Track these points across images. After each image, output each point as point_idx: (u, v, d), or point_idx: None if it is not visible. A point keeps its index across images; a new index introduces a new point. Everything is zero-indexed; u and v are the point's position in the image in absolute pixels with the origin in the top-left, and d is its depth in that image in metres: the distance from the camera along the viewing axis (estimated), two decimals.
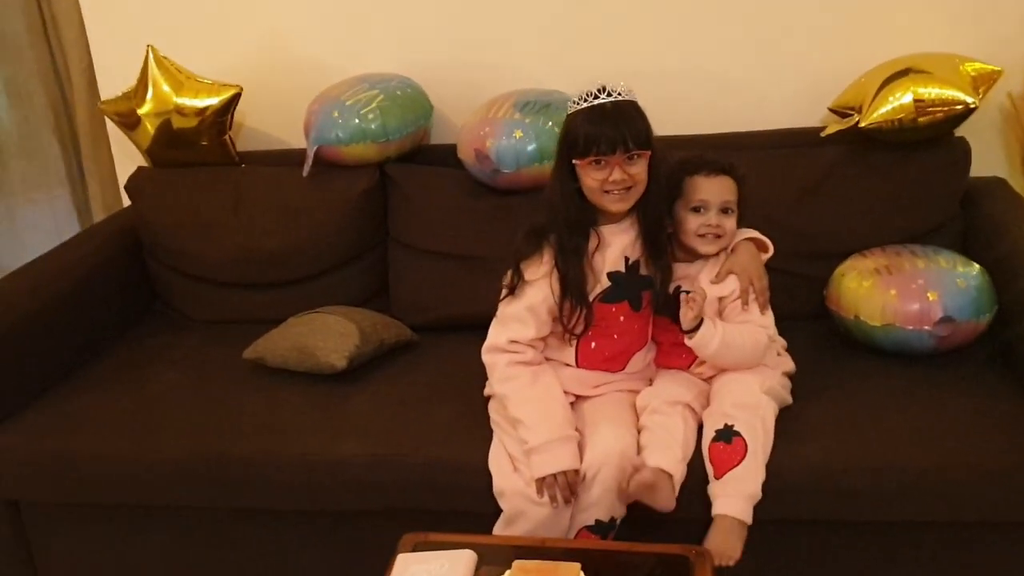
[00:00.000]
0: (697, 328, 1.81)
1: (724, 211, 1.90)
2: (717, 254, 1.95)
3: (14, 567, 2.14)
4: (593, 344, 1.90)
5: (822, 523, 1.83)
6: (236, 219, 2.49)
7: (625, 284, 1.87)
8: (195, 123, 2.56)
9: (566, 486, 1.72)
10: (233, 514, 2.01)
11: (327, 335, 2.14)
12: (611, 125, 1.75)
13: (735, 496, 1.71)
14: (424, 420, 1.96)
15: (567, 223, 1.82)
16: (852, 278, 2.10)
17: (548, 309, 1.86)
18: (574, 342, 1.89)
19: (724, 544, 1.66)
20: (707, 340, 1.81)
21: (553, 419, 1.78)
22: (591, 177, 1.79)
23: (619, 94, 1.78)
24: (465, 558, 1.57)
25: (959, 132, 2.34)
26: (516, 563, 1.49)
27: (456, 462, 1.85)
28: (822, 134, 2.34)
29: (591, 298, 1.85)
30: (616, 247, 1.87)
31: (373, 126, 2.40)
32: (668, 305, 1.91)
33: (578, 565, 1.46)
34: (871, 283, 2.05)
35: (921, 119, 2.20)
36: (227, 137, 2.59)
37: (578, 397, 1.90)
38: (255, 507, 1.98)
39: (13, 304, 2.19)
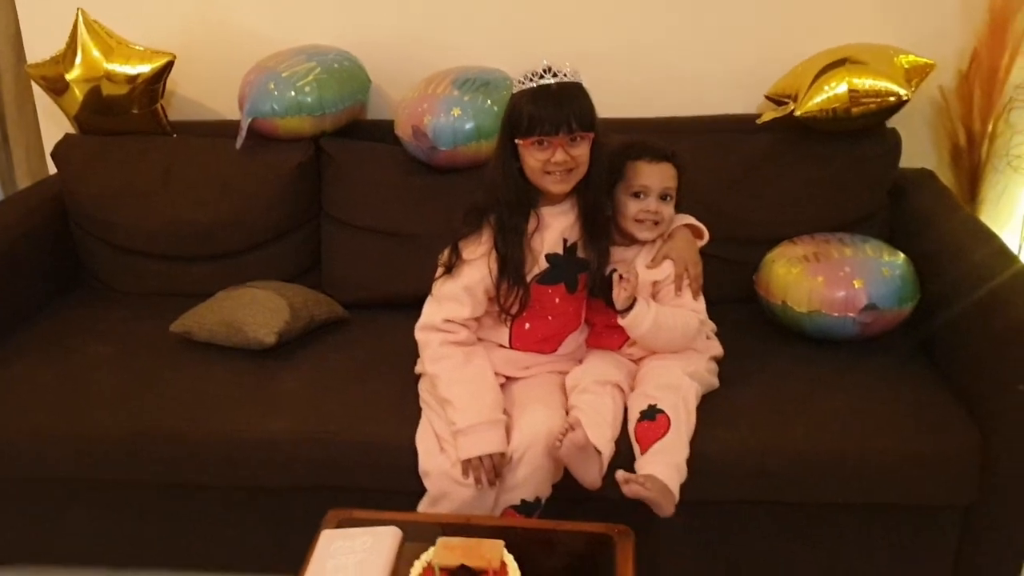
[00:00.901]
0: (630, 308, 1.82)
1: (663, 198, 1.91)
2: (654, 240, 1.95)
3: None
4: (527, 325, 1.90)
5: (744, 503, 1.86)
6: (166, 190, 2.44)
7: (562, 266, 1.88)
8: (126, 91, 2.49)
9: (491, 469, 1.72)
10: (160, 489, 1.98)
11: (256, 310, 2.11)
12: (555, 106, 1.74)
13: (663, 465, 1.72)
14: (353, 398, 1.95)
15: (508, 203, 1.82)
16: (781, 264, 2.13)
17: (485, 289, 1.85)
18: (509, 323, 1.88)
19: (659, 496, 1.67)
20: (640, 320, 1.83)
21: (482, 401, 1.78)
22: (533, 157, 1.78)
23: (564, 75, 1.77)
24: (389, 535, 1.57)
25: (891, 123, 2.38)
26: (440, 540, 1.49)
27: (383, 441, 1.85)
28: (757, 121, 2.37)
29: (528, 279, 1.85)
30: (555, 229, 1.86)
31: (309, 99, 2.36)
32: (603, 287, 1.92)
33: (501, 543, 1.47)
34: (799, 270, 2.08)
35: (855, 109, 2.24)
36: (159, 106, 2.53)
37: (508, 378, 1.90)
38: (182, 482, 1.95)
39: None
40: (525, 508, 1.75)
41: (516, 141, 1.79)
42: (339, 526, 1.63)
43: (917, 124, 2.51)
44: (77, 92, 2.51)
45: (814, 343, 2.08)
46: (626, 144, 1.94)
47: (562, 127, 1.74)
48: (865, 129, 2.31)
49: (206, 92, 2.69)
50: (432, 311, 1.88)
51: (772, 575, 1.95)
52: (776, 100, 2.41)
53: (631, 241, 1.95)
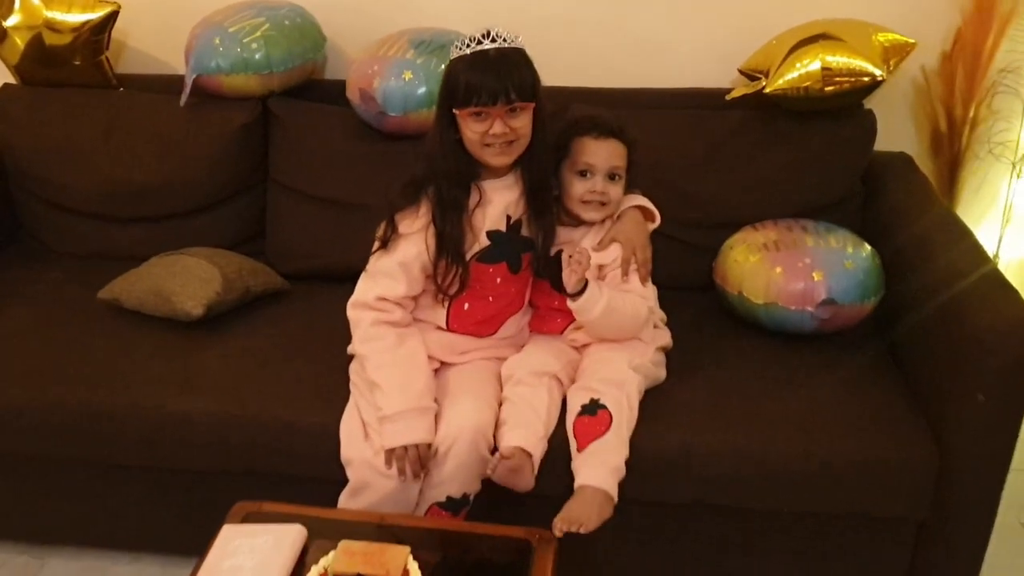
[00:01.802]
0: (581, 292, 1.71)
1: (611, 177, 1.79)
2: (602, 221, 1.85)
3: None
4: (466, 305, 1.80)
5: (683, 506, 1.77)
6: (107, 147, 2.32)
7: (505, 244, 1.77)
8: (68, 40, 2.36)
9: (416, 460, 1.63)
10: (76, 465, 1.89)
11: (186, 279, 2.01)
12: (493, 74, 1.63)
13: (598, 467, 1.64)
14: (280, 378, 1.85)
15: (446, 175, 1.71)
16: (740, 251, 2.03)
17: (421, 266, 1.74)
18: (446, 303, 1.79)
19: (579, 511, 1.57)
20: (592, 304, 1.72)
21: (412, 388, 1.68)
22: (471, 129, 1.67)
23: (504, 40, 1.65)
24: (293, 533, 1.48)
25: (870, 104, 2.26)
26: (342, 543, 1.40)
27: (308, 425, 1.75)
28: (727, 97, 2.25)
29: (468, 257, 1.75)
30: (498, 204, 1.76)
31: (256, 56, 2.24)
32: (549, 268, 1.81)
33: (407, 549, 1.38)
34: (758, 259, 1.97)
35: (828, 88, 2.11)
36: (103, 58, 2.40)
37: (443, 364, 1.80)
38: (97, 459, 1.86)
39: None
40: (452, 505, 1.67)
41: (454, 111, 1.67)
42: (246, 520, 1.55)
43: (898, 106, 2.39)
44: (17, 40, 2.38)
45: (771, 337, 1.98)
46: (572, 119, 1.83)
47: (500, 97, 1.62)
48: (839, 109, 2.19)
49: (157, 45, 2.55)
50: (365, 288, 1.78)
51: None
52: (750, 75, 2.29)
53: (578, 221, 1.84)
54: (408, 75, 2.14)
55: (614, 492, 1.63)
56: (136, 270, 2.09)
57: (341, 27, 2.45)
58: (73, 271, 2.28)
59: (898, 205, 2.16)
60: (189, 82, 2.27)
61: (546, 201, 1.79)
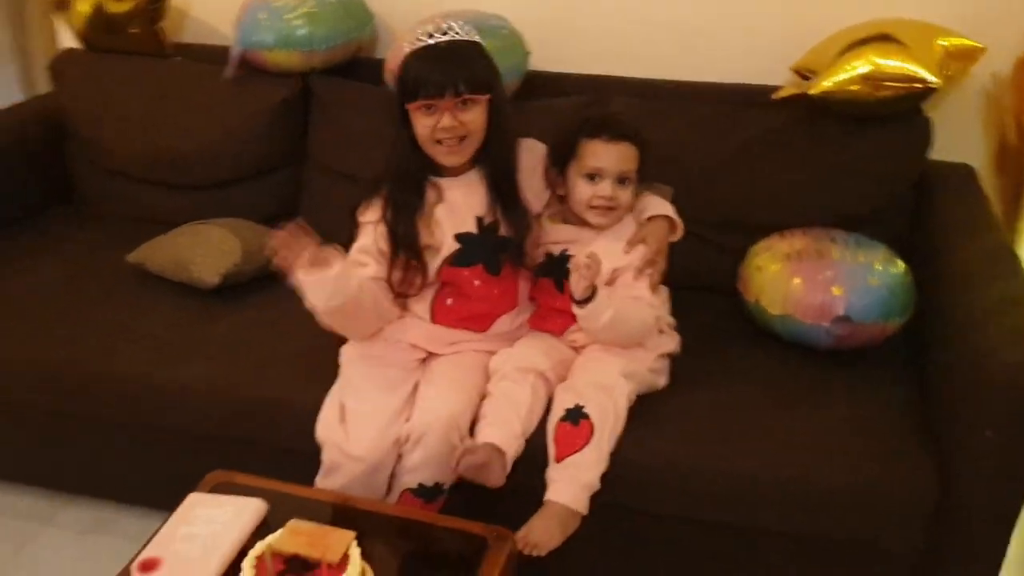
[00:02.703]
0: (589, 299, 1.65)
1: (621, 181, 1.73)
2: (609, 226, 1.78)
3: None
4: (449, 301, 1.78)
5: (668, 516, 1.71)
6: (155, 114, 2.39)
7: (478, 245, 1.73)
8: (128, 7, 2.44)
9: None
10: (84, 419, 1.95)
11: (207, 249, 2.05)
12: (442, 66, 1.60)
13: (570, 483, 1.59)
14: (277, 353, 1.87)
15: (399, 174, 1.69)
16: (763, 259, 1.93)
17: (380, 251, 1.73)
18: (429, 295, 1.77)
19: (541, 531, 1.54)
20: (599, 312, 1.66)
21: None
22: (421, 124, 1.64)
23: (457, 33, 1.63)
24: (252, 507, 1.50)
25: (932, 111, 2.12)
26: (290, 523, 1.40)
27: (292, 402, 1.76)
28: (773, 96, 2.14)
29: (439, 261, 1.72)
30: (461, 204, 1.72)
31: (299, 33, 2.26)
32: (554, 269, 1.77)
33: (352, 535, 1.36)
34: (779, 268, 1.88)
35: (877, 93, 1.99)
36: (160, 27, 2.48)
37: (431, 353, 1.78)
38: (101, 415, 1.92)
39: None
40: (424, 492, 1.65)
41: (405, 106, 1.64)
42: (215, 489, 1.57)
43: (963, 114, 2.22)
44: (82, 7, 2.47)
45: (786, 349, 1.89)
46: (583, 120, 1.76)
47: (448, 88, 1.59)
48: (892, 115, 2.06)
49: (216, 15, 2.60)
50: None
51: None
52: (802, 74, 2.18)
53: (584, 222, 1.79)
54: None
55: (584, 508, 1.59)
56: (164, 236, 2.15)
57: (390, 5, 2.44)
58: (113, 233, 2.35)
59: (950, 222, 2.01)
60: (235, 55, 2.32)
61: (512, 196, 1.73)
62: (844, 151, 2.08)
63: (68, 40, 2.69)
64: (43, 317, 1.98)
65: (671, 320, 1.88)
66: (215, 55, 2.46)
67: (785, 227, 2.03)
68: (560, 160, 1.75)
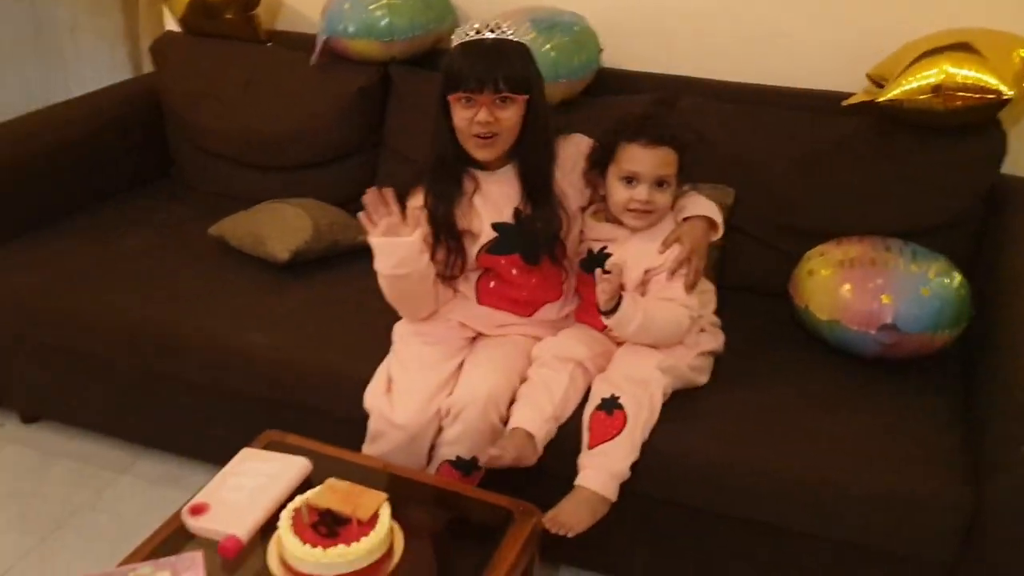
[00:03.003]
0: (614, 309, 1.69)
1: (658, 185, 1.74)
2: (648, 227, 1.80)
3: None
4: (492, 284, 1.85)
5: (697, 510, 1.74)
6: (245, 97, 2.53)
7: (514, 236, 1.79)
8: None
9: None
10: (161, 377, 2.09)
11: (282, 226, 2.17)
12: (485, 61, 1.65)
13: (601, 471, 1.64)
14: (336, 328, 1.97)
15: (440, 161, 1.77)
16: (816, 263, 1.94)
17: (424, 236, 1.79)
18: (473, 277, 1.84)
19: (570, 513, 1.59)
20: (627, 320, 1.69)
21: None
22: (459, 115, 1.70)
23: (505, 33, 1.68)
24: (297, 465, 1.60)
25: (1011, 123, 2.09)
26: (328, 481, 1.50)
27: (347, 373, 1.84)
28: (843, 103, 2.14)
29: (477, 248, 1.79)
30: (500, 197, 1.78)
31: (380, 23, 2.36)
32: (593, 264, 1.80)
33: (383, 496, 1.45)
34: (830, 273, 1.89)
35: (949, 104, 1.97)
36: (254, 13, 2.61)
37: (479, 334, 1.86)
38: (174, 374, 2.05)
39: (13, 141, 2.32)
40: (460, 465, 1.72)
41: (447, 97, 1.70)
42: (267, 447, 1.68)
43: None
44: None
45: (833, 355, 1.90)
46: (621, 122, 1.77)
47: (488, 84, 1.64)
48: (964, 126, 2.04)
49: (307, 4, 2.72)
50: None
51: None
52: (876, 81, 2.17)
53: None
54: None
55: (613, 496, 1.64)
56: (244, 212, 2.27)
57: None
58: (201, 207, 2.49)
59: (1017, 238, 1.98)
60: (320, 43, 2.43)
61: (544, 193, 1.77)
62: (912, 161, 2.07)
63: (173, 24, 2.87)
64: (133, 280, 2.13)
65: (715, 319, 1.90)
66: (304, 43, 2.58)
67: (842, 234, 2.03)
68: (600, 161, 1.78)
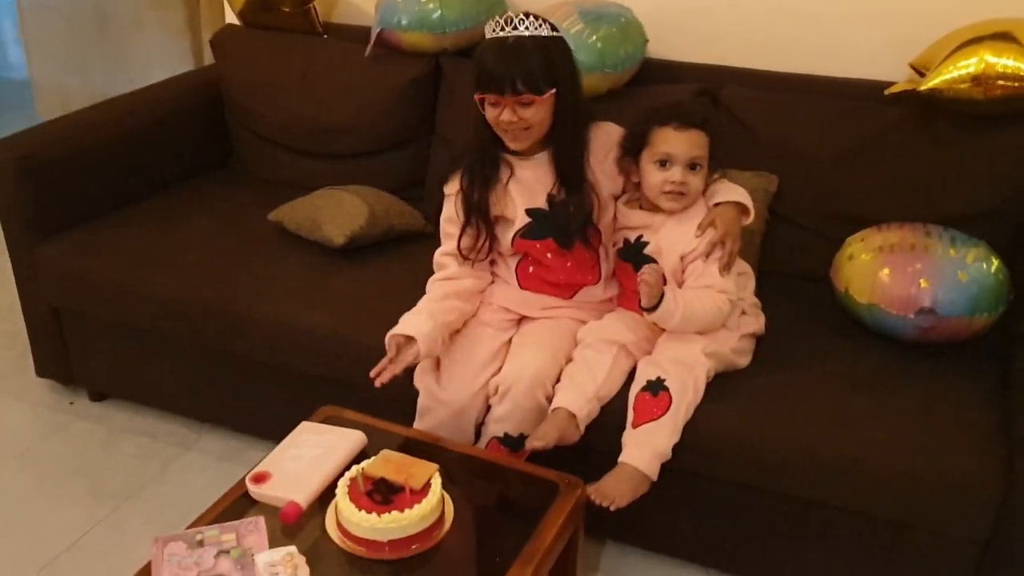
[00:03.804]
0: (656, 306, 1.75)
1: (691, 167, 1.79)
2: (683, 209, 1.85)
3: (54, 364, 2.47)
4: (530, 268, 1.92)
5: (737, 485, 1.80)
6: (301, 88, 2.62)
7: (547, 220, 1.85)
8: None
9: (395, 347, 1.77)
10: (224, 355, 2.20)
11: (337, 211, 2.26)
12: (503, 65, 1.69)
13: (644, 449, 1.70)
14: (389, 309, 2.01)
15: (476, 148, 1.83)
16: (856, 248, 1.98)
17: (459, 220, 1.89)
18: (512, 263, 1.92)
19: (612, 488, 1.66)
20: (668, 316, 1.75)
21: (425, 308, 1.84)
22: (488, 113, 1.76)
23: (526, 28, 1.70)
24: (353, 438, 1.69)
25: None
26: (383, 452, 1.58)
27: None
28: (886, 92, 2.16)
29: (512, 233, 1.86)
30: (535, 183, 1.84)
31: (433, 16, 2.43)
32: (630, 253, 1.87)
33: (435, 467, 1.54)
34: (870, 258, 1.92)
35: (990, 93, 1.99)
36: (311, 6, 2.70)
37: (524, 317, 1.93)
38: (236, 352, 2.16)
39: (81, 132, 2.43)
40: (508, 442, 1.80)
41: (476, 96, 1.76)
42: (325, 421, 1.77)
43: None
44: None
45: (873, 339, 1.94)
46: (654, 108, 1.82)
47: (507, 87, 1.69)
48: (1010, 115, 2.06)
49: None
50: (437, 251, 1.96)
51: (768, 566, 1.88)
52: (919, 71, 2.19)
53: (657, 207, 1.87)
54: None
55: (654, 474, 1.70)
56: (302, 198, 2.37)
57: None
58: (260, 194, 2.59)
59: None
60: (374, 35, 2.52)
61: (576, 180, 1.83)
62: (954, 149, 2.10)
63: (232, 18, 2.97)
64: (195, 263, 2.24)
65: (755, 301, 1.95)
66: (359, 35, 2.67)
67: (883, 221, 2.06)
68: (633, 148, 1.83)
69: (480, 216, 1.85)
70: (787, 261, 2.21)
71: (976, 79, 1.98)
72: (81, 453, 2.33)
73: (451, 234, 1.90)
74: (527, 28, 1.71)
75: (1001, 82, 1.97)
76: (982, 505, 1.63)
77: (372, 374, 1.75)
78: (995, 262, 1.88)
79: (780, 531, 1.82)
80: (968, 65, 1.99)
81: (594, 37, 2.25)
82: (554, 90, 1.73)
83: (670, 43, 2.44)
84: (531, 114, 1.74)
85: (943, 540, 1.70)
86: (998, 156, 2.07)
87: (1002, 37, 2.02)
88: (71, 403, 2.51)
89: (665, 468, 1.73)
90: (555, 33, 1.76)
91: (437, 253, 1.94)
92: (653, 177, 1.80)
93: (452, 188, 1.88)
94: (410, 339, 1.77)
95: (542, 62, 1.71)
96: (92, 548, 2.03)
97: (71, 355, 2.43)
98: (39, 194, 2.31)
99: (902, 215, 2.06)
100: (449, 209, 1.89)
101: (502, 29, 1.72)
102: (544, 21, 1.74)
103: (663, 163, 1.79)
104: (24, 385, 2.57)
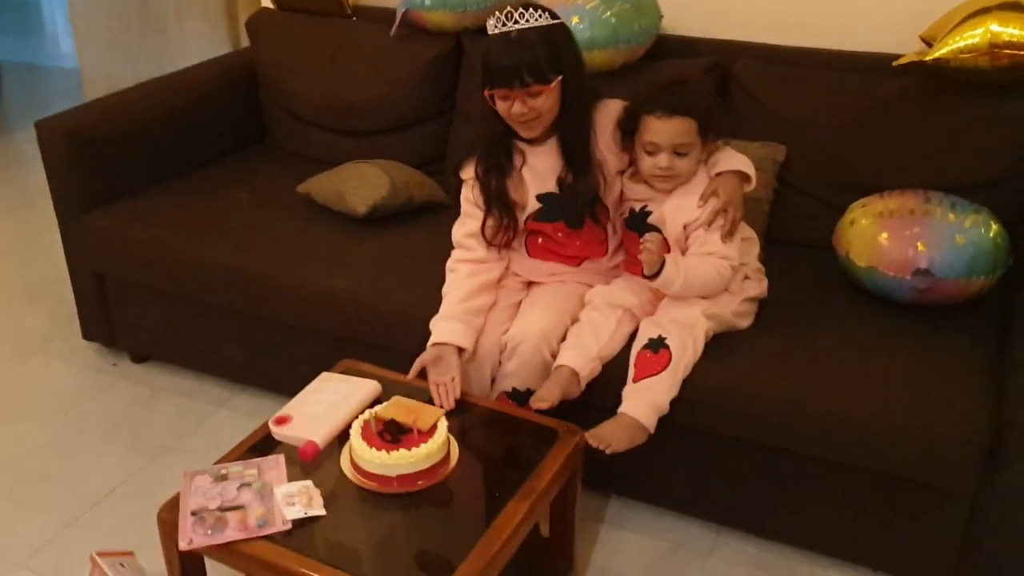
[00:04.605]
0: (658, 274, 1.82)
1: (677, 153, 1.84)
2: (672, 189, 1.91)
3: (98, 327, 2.62)
4: (540, 240, 2.00)
5: (733, 439, 1.88)
6: (331, 67, 2.74)
7: (558, 204, 1.93)
8: None
9: (432, 359, 1.85)
10: (254, 319, 2.33)
11: (360, 183, 2.37)
12: (508, 59, 1.75)
13: (642, 401, 1.79)
14: (408, 273, 2.16)
15: (488, 139, 1.91)
16: (858, 214, 2.04)
17: (477, 204, 1.97)
18: (522, 235, 2.00)
19: (610, 433, 1.75)
20: (670, 281, 1.83)
21: (458, 304, 1.91)
22: (499, 106, 1.82)
23: (527, 21, 1.76)
24: (368, 387, 1.80)
25: None
26: (394, 397, 1.70)
27: (416, 313, 2.01)
28: (894, 63, 2.21)
29: (524, 217, 1.95)
30: (545, 169, 1.91)
31: None
32: (635, 222, 1.95)
33: (441, 411, 1.65)
34: (869, 223, 1.99)
35: (996, 62, 2.03)
36: None
37: (532, 282, 2.03)
38: (264, 314, 2.29)
39: (125, 110, 2.58)
40: (516, 396, 1.89)
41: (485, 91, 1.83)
42: (343, 372, 1.88)
43: None
44: None
45: (873, 301, 2.00)
46: (640, 97, 1.87)
47: (515, 81, 1.75)
48: (1011, 83, 2.10)
49: None
50: (457, 227, 2.03)
51: (768, 518, 1.96)
52: (928, 42, 2.24)
53: None
54: (576, 19, 2.32)
55: (651, 425, 1.78)
56: (329, 171, 2.49)
57: None
58: (292, 168, 2.71)
59: None
60: (399, 15, 2.63)
61: (583, 163, 1.89)
62: (960, 118, 2.15)
63: (267, 2, 3.10)
64: (230, 233, 2.37)
65: (758, 266, 2.02)
66: (386, 16, 2.77)
67: (888, 189, 2.11)
68: (628, 131, 1.89)
69: (500, 203, 1.92)
70: (794, 229, 2.28)
71: (981, 48, 2.02)
72: (123, 410, 2.48)
73: (471, 214, 1.97)
74: (527, 20, 1.76)
75: (1008, 51, 2.01)
76: (969, 460, 1.68)
77: (442, 405, 1.77)
78: (994, 227, 1.93)
79: (775, 486, 1.90)
80: (974, 35, 2.04)
81: (608, 12, 2.33)
82: (560, 77, 1.79)
83: (685, 19, 2.51)
84: (540, 103, 1.80)
85: (933, 493, 1.76)
86: (1005, 125, 2.12)
87: (1010, 7, 2.06)
88: (114, 364, 2.66)
89: (665, 423, 1.81)
90: (555, 21, 1.81)
91: (460, 233, 2.00)
92: (643, 162, 1.87)
93: (468, 173, 1.96)
94: (450, 346, 1.84)
95: (547, 51, 1.76)
96: (130, 493, 2.18)
97: (114, 319, 2.58)
98: (86, 167, 2.46)
99: (908, 183, 2.12)
100: (467, 192, 1.97)
101: (503, 24, 1.77)
102: (543, 10, 1.78)
103: (650, 151, 1.85)
104: (72, 348, 2.72)
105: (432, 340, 1.87)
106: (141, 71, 3.61)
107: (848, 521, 1.87)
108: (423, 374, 1.88)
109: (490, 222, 1.96)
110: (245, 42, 3.27)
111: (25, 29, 6.13)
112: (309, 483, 1.56)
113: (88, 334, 2.66)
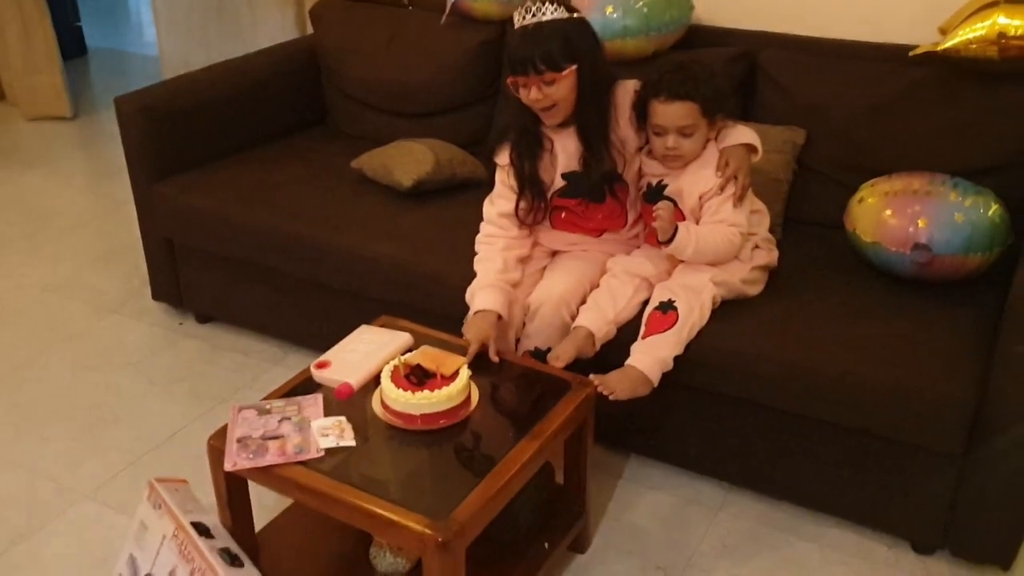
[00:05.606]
0: (671, 240, 1.97)
1: (683, 134, 1.98)
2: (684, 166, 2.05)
3: (168, 289, 2.87)
4: (563, 215, 2.16)
5: (738, 399, 2.02)
6: (387, 53, 2.94)
7: (581, 182, 2.07)
8: None
9: (475, 324, 1.99)
10: (307, 283, 2.54)
11: (407, 158, 2.56)
12: (524, 48, 1.90)
13: (647, 355, 1.94)
14: (446, 241, 2.33)
15: (517, 127, 2.06)
16: (867, 193, 2.15)
17: (511, 187, 2.12)
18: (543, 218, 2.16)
19: (615, 381, 1.90)
20: (683, 247, 1.97)
21: (493, 274, 2.06)
22: (521, 94, 1.98)
23: (544, 14, 1.90)
24: (402, 337, 1.98)
25: None
26: (422, 347, 1.88)
27: (451, 277, 2.20)
28: (910, 54, 2.32)
29: (550, 194, 2.10)
30: (568, 151, 2.06)
31: None
32: (653, 195, 2.09)
33: (463, 360, 1.82)
34: (876, 201, 2.10)
35: (1004, 53, 2.13)
36: None
37: (556, 252, 2.20)
38: (312, 278, 2.50)
39: (196, 89, 2.81)
40: (538, 355, 2.05)
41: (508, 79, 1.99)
42: (382, 326, 2.07)
43: None
44: None
45: (877, 275, 2.12)
46: (647, 82, 2.01)
47: (529, 69, 1.90)
48: (1021, 74, 2.19)
49: None
50: (488, 207, 2.18)
51: (774, 477, 2.09)
52: (945, 33, 2.34)
53: None
54: (610, 9, 2.47)
55: (655, 378, 1.93)
56: (380, 148, 2.68)
57: None
58: (349, 147, 2.90)
59: None
60: (449, 4, 2.81)
61: (599, 147, 2.03)
62: (971, 106, 2.25)
63: None
64: (287, 203, 2.58)
65: (768, 236, 2.16)
66: (439, 5, 2.95)
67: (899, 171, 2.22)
68: (641, 115, 2.04)
69: (532, 186, 2.08)
70: (811, 209, 2.40)
71: (989, 38, 2.12)
72: (186, 365, 2.71)
73: (505, 196, 2.13)
74: (545, 14, 1.92)
75: (1016, 42, 2.11)
76: (958, 421, 1.80)
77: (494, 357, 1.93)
78: (994, 206, 2.03)
79: (781, 447, 2.03)
80: (983, 27, 2.13)
81: (641, 3, 2.47)
82: (575, 67, 1.94)
83: (716, 11, 2.65)
84: (554, 90, 1.94)
85: (925, 454, 1.88)
86: (1012, 112, 2.21)
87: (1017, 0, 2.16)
88: (180, 324, 2.90)
89: (674, 383, 1.97)
90: (572, 15, 1.96)
91: (494, 212, 2.14)
92: (653, 142, 2.03)
93: (503, 159, 2.12)
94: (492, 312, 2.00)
95: (560, 42, 1.90)
96: (189, 438, 2.40)
97: (182, 282, 2.82)
98: (158, 140, 2.69)
99: (921, 167, 2.22)
100: (502, 175, 2.13)
101: (523, 18, 1.94)
102: (561, 5, 1.94)
103: (658, 133, 2.00)
104: (142, 308, 2.98)
105: (474, 308, 2.02)
106: (215, 57, 3.84)
107: (848, 482, 1.99)
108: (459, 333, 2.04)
109: (523, 203, 2.11)
110: (310, 29, 3.50)
111: (113, 18, 6.53)
112: (343, 418, 1.75)
113: (157, 295, 2.90)
